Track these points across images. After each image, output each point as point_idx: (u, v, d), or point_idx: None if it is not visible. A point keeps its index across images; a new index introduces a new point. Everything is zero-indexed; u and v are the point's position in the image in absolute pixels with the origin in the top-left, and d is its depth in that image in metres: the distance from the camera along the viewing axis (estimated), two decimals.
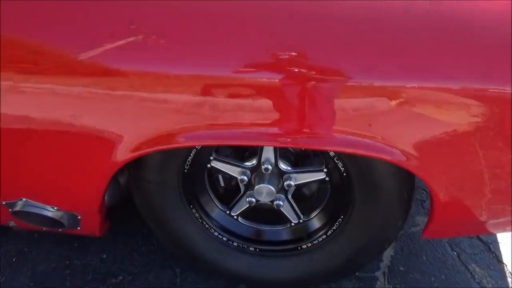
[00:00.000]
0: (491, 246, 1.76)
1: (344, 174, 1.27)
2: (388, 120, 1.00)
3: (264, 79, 1.00)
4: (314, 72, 0.99)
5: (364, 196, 1.26)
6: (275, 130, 1.02)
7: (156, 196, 1.38)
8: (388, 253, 1.72)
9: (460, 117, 1.01)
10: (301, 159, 1.45)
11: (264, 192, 1.35)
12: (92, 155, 1.13)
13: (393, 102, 0.97)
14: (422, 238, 1.24)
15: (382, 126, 1.01)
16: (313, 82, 0.99)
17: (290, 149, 1.43)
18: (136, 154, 1.09)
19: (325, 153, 1.28)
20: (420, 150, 1.03)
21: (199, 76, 0.99)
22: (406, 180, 1.23)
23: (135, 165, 1.32)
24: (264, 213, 1.54)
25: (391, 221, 1.30)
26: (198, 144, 1.10)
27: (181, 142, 1.05)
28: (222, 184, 1.49)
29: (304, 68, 0.99)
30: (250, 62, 1.01)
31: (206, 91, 0.99)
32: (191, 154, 1.31)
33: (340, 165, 1.25)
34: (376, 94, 0.98)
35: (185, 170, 1.36)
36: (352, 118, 1.00)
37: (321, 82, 0.99)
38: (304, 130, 1.01)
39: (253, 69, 1.01)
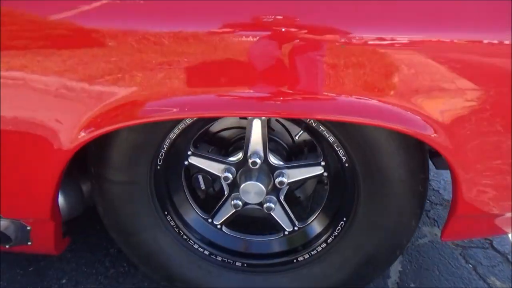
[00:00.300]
0: (509, 256, 1.56)
1: (346, 165, 1.07)
2: (406, 81, 0.81)
3: (250, 38, 0.82)
4: (305, 31, 0.82)
5: (371, 191, 1.06)
6: (262, 94, 0.82)
7: (122, 200, 1.15)
8: (395, 268, 1.50)
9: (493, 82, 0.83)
10: (294, 155, 1.26)
11: (252, 191, 1.14)
12: (32, 142, 0.90)
13: (406, 58, 0.80)
14: (442, 240, 1.05)
15: (399, 89, 0.81)
16: (304, 41, 0.81)
17: (282, 142, 1.24)
18: (90, 135, 0.87)
19: (322, 141, 1.09)
20: (451, 123, 0.83)
21: (169, 33, 0.81)
22: (420, 168, 1.04)
23: (97, 162, 1.11)
24: (253, 222, 1.33)
25: (404, 219, 1.09)
26: (168, 117, 0.88)
27: (148, 114, 0.84)
28: (202, 186, 1.27)
29: (294, 27, 0.82)
30: (234, 19, 0.83)
31: (179, 49, 0.79)
32: (165, 145, 1.10)
33: (341, 153, 1.06)
34: (385, 49, 0.80)
35: (158, 167, 1.14)
36: (359, 77, 0.80)
37: (314, 41, 0.82)
38: (299, 94, 0.81)
39: (237, 27, 0.83)
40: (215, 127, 1.24)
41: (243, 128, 1.19)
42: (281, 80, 0.82)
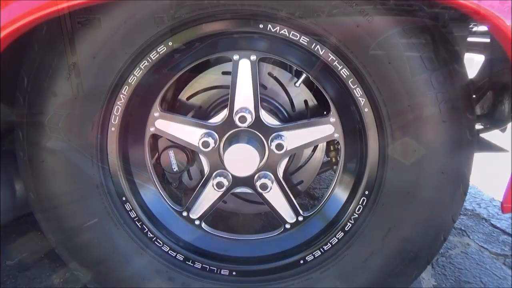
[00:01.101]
0: None
1: (366, 110, 0.80)
2: None
3: None
4: None
5: (402, 141, 0.78)
6: None
7: (61, 177, 0.83)
8: (427, 284, 1.16)
9: None
10: (293, 119, 0.98)
11: (241, 157, 0.84)
12: None
13: None
14: (503, 213, 0.76)
15: None
16: None
17: (277, 103, 0.97)
18: None
19: (331, 85, 0.82)
20: None
21: None
22: (465, 105, 0.77)
23: (27, 121, 0.81)
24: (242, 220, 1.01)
25: (447, 183, 0.80)
26: None
27: None
28: (174, 167, 0.96)
29: None
30: None
31: None
32: (122, 95, 0.81)
33: (358, 93, 0.79)
34: None
35: (112, 129, 0.84)
36: None
37: None
38: None
39: None
40: (192, 86, 0.97)
41: (226, 87, 0.92)
42: None
